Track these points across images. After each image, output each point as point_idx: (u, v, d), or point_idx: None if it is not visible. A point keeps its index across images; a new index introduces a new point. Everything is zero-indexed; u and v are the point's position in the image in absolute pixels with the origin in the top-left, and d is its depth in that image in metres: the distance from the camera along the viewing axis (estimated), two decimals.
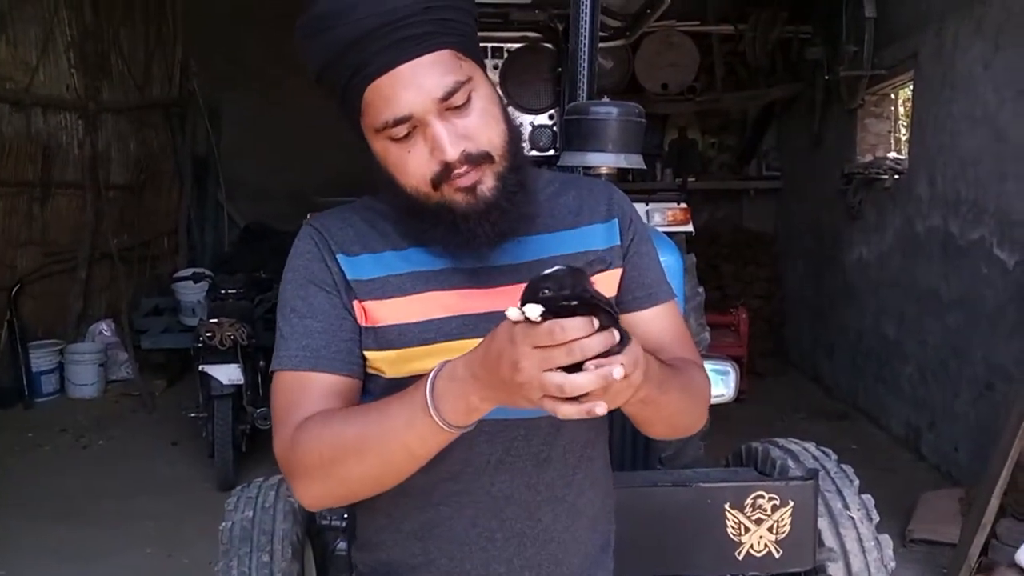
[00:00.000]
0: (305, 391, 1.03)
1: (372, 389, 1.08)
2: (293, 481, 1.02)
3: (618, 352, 0.80)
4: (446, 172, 1.00)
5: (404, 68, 0.98)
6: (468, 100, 1.00)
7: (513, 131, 1.05)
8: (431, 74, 0.98)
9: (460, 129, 1.00)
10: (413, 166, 1.01)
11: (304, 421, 1.00)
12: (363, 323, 1.06)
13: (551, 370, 0.79)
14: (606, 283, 1.12)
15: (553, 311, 0.77)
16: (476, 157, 1.00)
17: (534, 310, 0.77)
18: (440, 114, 0.99)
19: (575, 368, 0.79)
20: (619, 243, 1.14)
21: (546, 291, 0.78)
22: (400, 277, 1.06)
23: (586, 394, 0.79)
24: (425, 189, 1.02)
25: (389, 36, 0.97)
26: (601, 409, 0.80)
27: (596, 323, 0.78)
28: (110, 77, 6.48)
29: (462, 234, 1.02)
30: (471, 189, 1.01)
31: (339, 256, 1.07)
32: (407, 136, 1.00)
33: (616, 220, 1.15)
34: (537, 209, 1.09)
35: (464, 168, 1.00)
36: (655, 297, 1.16)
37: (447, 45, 1.00)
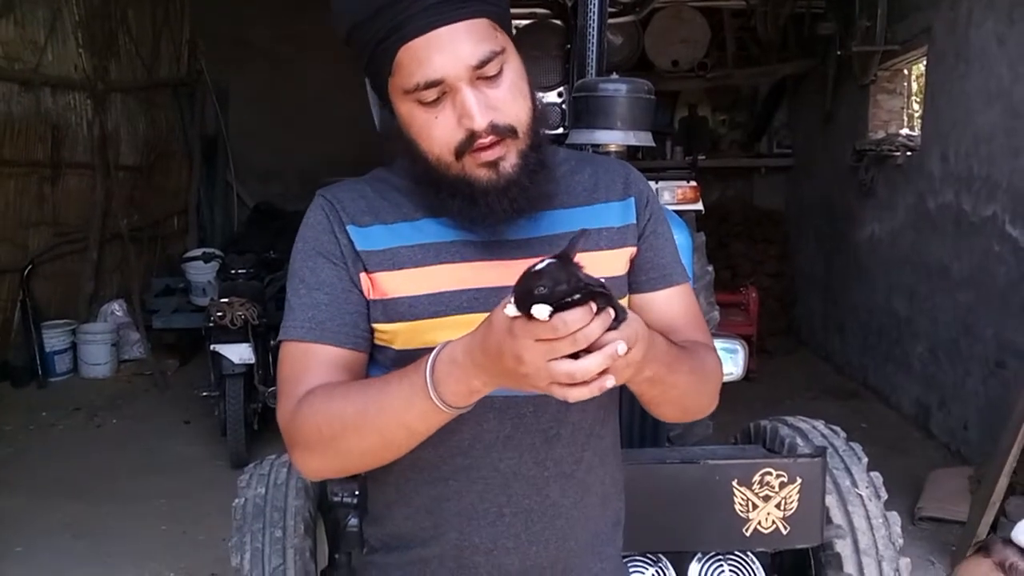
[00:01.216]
0: (309, 363, 1.04)
1: (382, 361, 1.09)
2: (292, 451, 1.03)
3: (615, 327, 0.81)
4: (470, 141, 0.99)
5: (441, 31, 0.97)
6: (500, 72, 1.00)
7: (538, 109, 1.05)
8: (467, 40, 0.98)
9: (490, 99, 0.99)
10: (439, 132, 1.00)
11: (306, 394, 1.01)
12: (371, 296, 1.06)
13: (556, 359, 0.80)
14: (617, 261, 1.12)
15: (557, 307, 0.78)
16: (502, 129, 1.00)
17: (542, 311, 0.78)
18: (472, 82, 0.98)
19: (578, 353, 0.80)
20: (635, 222, 1.14)
21: (542, 288, 0.78)
22: (412, 248, 1.06)
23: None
24: (447, 158, 1.01)
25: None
26: (609, 382, 0.81)
27: (594, 307, 0.79)
28: (118, 57, 6.48)
29: (479, 208, 1.02)
30: (493, 164, 1.01)
31: (349, 227, 1.07)
32: (436, 101, 0.99)
33: (633, 199, 1.14)
34: (554, 186, 1.09)
35: (489, 139, 0.99)
36: (669, 279, 1.15)
37: (485, 14, 1.00)
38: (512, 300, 0.80)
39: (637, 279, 1.14)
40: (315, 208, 1.11)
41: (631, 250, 1.13)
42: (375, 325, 1.07)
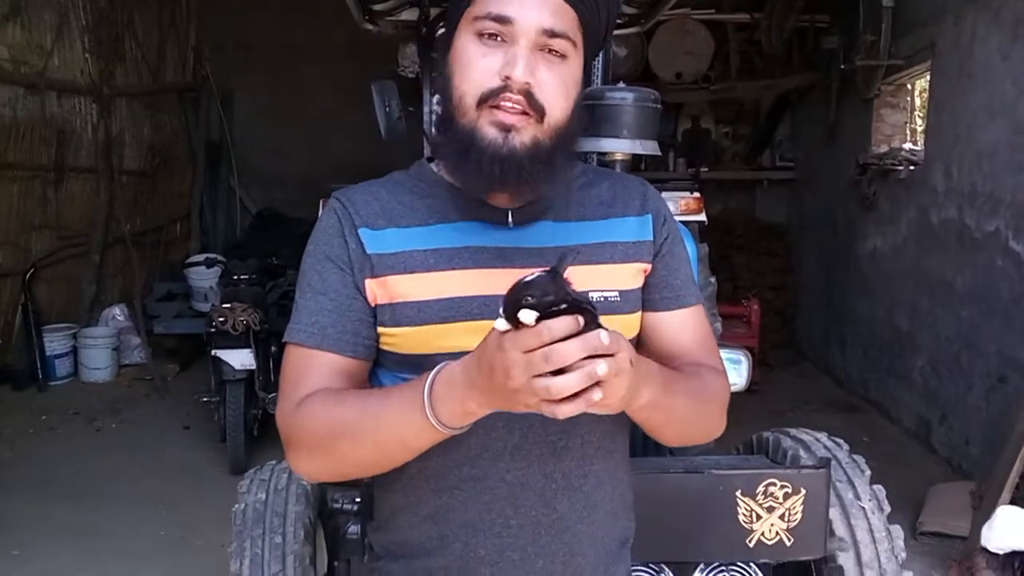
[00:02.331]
0: (310, 367, 1.05)
1: (388, 365, 1.09)
2: (288, 451, 1.05)
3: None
4: (500, 91, 0.99)
5: None
6: (562, 59, 1.01)
7: (573, 122, 1.05)
8: (551, 9, 1.00)
9: (539, 72, 0.99)
10: (479, 69, 1.00)
11: (306, 398, 1.02)
12: (380, 300, 1.06)
13: (540, 376, 0.80)
14: (628, 274, 1.11)
15: (543, 316, 0.79)
16: (535, 102, 0.99)
17: (529, 315, 0.79)
18: (533, 45, 0.99)
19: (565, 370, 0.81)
20: (651, 239, 1.13)
21: (529, 298, 0.79)
22: (424, 253, 1.06)
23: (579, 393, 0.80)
24: (469, 101, 1.01)
25: None
26: (597, 395, 0.81)
27: (581, 321, 0.80)
28: (124, 61, 6.51)
29: (469, 163, 1.01)
30: (505, 128, 1.00)
31: (362, 230, 1.07)
32: (493, 37, 1.00)
33: (651, 216, 1.14)
34: (568, 197, 1.09)
35: (517, 102, 0.99)
36: (682, 300, 1.14)
37: (578, 10, 1.02)
38: (502, 314, 0.81)
39: (650, 297, 1.13)
40: (328, 211, 1.11)
41: (645, 266, 1.13)
42: (382, 329, 1.06)
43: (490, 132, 1.00)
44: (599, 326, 0.81)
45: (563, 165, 1.06)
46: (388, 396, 0.97)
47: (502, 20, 0.98)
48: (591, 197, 1.13)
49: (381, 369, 1.10)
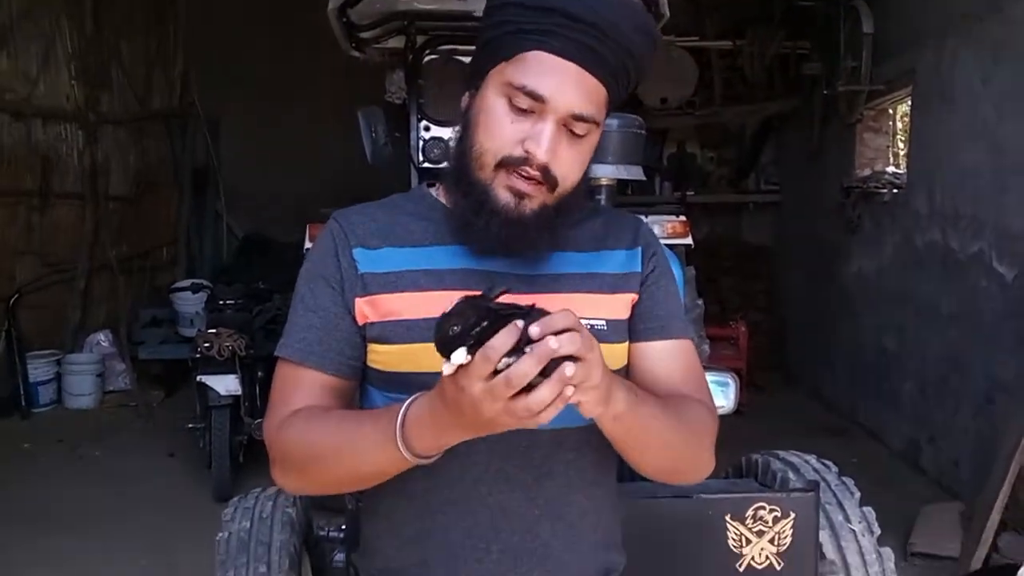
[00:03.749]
0: (297, 383, 1.07)
1: (376, 383, 1.10)
2: (272, 467, 1.07)
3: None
4: (518, 162, 1.02)
5: (575, 68, 1.01)
6: (583, 137, 1.04)
7: (582, 185, 1.08)
8: (585, 93, 1.02)
9: (559, 148, 1.02)
10: (502, 135, 1.02)
11: (290, 415, 1.04)
12: (369, 319, 1.07)
13: (514, 397, 0.79)
14: (617, 304, 1.12)
15: (477, 343, 0.78)
16: (549, 176, 1.03)
17: (460, 354, 0.78)
18: (560, 123, 1.01)
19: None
20: (639, 270, 1.15)
21: (454, 328, 0.78)
22: (415, 273, 1.07)
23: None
24: (489, 159, 1.03)
25: (588, 36, 1.00)
26: (569, 390, 0.80)
27: (520, 324, 0.79)
28: (110, 88, 6.50)
29: (479, 220, 1.04)
30: (519, 195, 1.03)
31: (356, 250, 1.09)
32: (521, 110, 1.01)
33: (640, 249, 1.16)
34: (547, 242, 1.11)
35: (533, 174, 1.02)
36: (666, 331, 1.14)
37: (609, 87, 1.04)
38: (440, 355, 0.80)
39: (635, 327, 1.13)
40: (325, 230, 1.13)
41: (632, 296, 1.13)
42: (371, 346, 1.08)
43: (504, 195, 1.03)
44: (540, 314, 0.80)
45: (565, 222, 1.09)
46: (362, 423, 0.98)
47: (535, 97, 1.00)
48: (585, 230, 1.15)
49: (371, 387, 1.11)
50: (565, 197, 1.05)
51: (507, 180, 1.02)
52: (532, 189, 1.02)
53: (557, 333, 0.79)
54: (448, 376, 0.81)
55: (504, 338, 0.78)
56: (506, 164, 1.02)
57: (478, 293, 0.81)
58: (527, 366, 0.78)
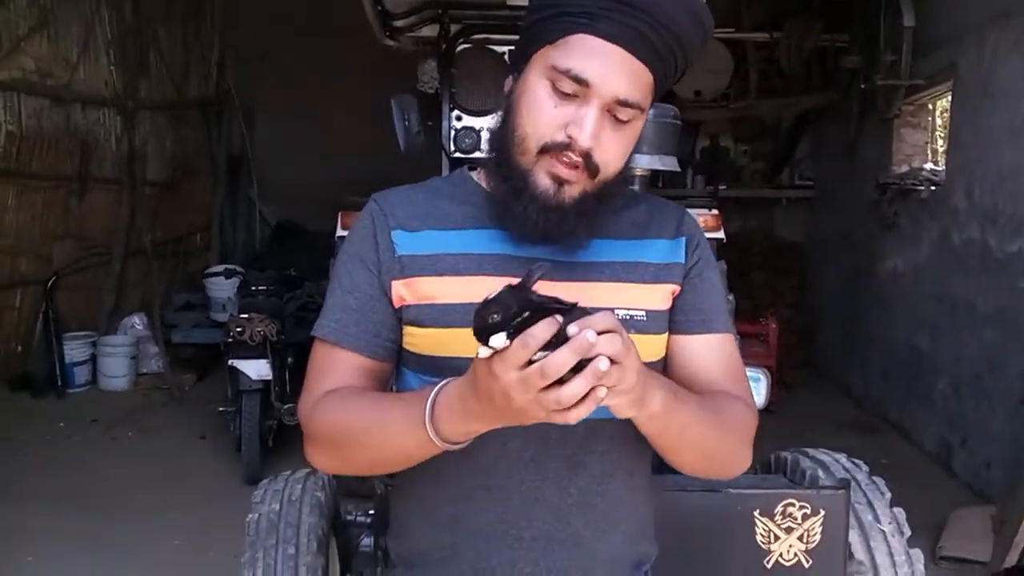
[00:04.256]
0: (333, 363, 1.08)
1: (411, 365, 1.10)
2: (306, 444, 1.07)
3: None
4: (561, 148, 1.00)
5: (619, 52, 0.99)
6: (628, 122, 1.02)
7: (623, 172, 1.07)
8: (630, 77, 1.00)
9: (603, 134, 1.00)
10: (544, 119, 1.01)
11: (325, 395, 1.05)
12: (405, 301, 1.07)
13: (545, 389, 0.78)
14: (657, 295, 1.10)
15: (515, 332, 0.77)
16: (591, 163, 1.01)
17: (499, 339, 0.78)
18: (604, 109, 1.00)
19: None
20: (683, 261, 1.13)
21: (495, 316, 0.78)
22: (455, 256, 1.07)
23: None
24: (531, 144, 1.02)
25: (637, 20, 0.98)
26: (602, 392, 0.80)
27: (560, 319, 0.78)
28: (148, 75, 6.59)
29: (519, 205, 1.03)
30: (560, 181, 1.01)
31: (396, 232, 1.09)
32: (565, 94, 1.00)
33: (684, 239, 1.14)
34: (585, 230, 1.09)
35: (575, 160, 1.00)
36: (707, 325, 1.12)
37: (655, 73, 1.02)
38: (477, 340, 0.79)
39: (676, 319, 1.12)
40: (364, 212, 1.13)
41: (674, 287, 1.12)
42: (407, 328, 1.08)
43: (544, 181, 1.02)
44: (581, 313, 0.79)
45: (606, 210, 1.08)
46: (393, 407, 0.97)
47: (579, 81, 0.98)
48: (625, 217, 1.13)
49: (407, 369, 1.11)
50: (606, 184, 1.04)
51: (548, 166, 1.01)
52: (573, 175, 1.01)
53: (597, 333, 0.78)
54: (482, 360, 0.81)
55: (544, 328, 0.77)
56: (548, 149, 1.01)
57: (519, 281, 0.80)
58: (563, 357, 0.77)
